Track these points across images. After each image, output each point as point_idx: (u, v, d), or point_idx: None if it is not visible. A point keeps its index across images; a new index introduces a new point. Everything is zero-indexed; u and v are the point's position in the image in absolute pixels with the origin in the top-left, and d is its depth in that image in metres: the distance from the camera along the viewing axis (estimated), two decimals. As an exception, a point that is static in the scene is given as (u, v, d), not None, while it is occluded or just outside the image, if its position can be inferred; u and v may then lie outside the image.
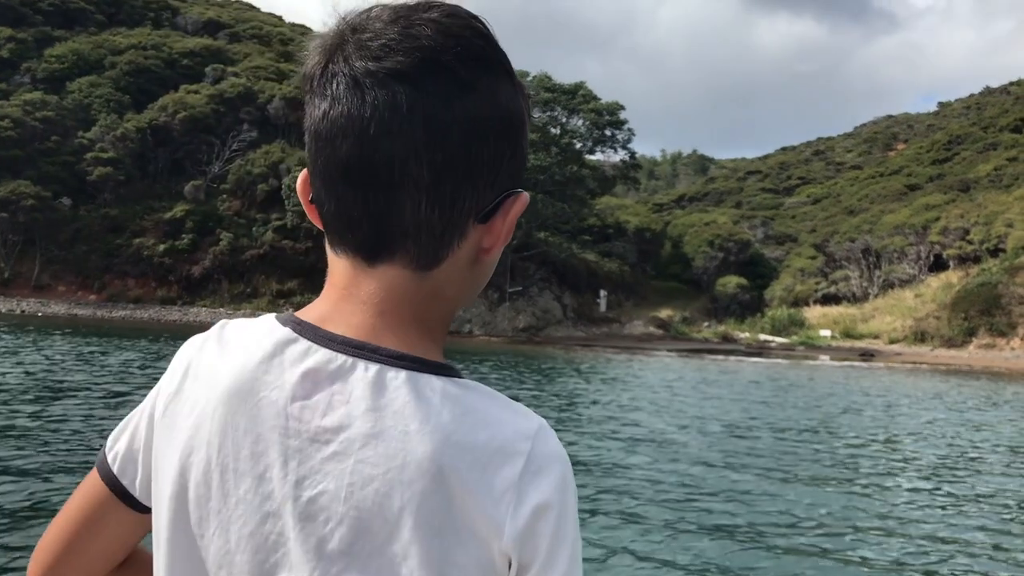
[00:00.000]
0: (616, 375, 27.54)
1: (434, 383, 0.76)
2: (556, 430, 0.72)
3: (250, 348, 0.80)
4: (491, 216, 0.80)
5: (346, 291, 0.81)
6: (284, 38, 75.62)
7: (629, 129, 49.00)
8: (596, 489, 9.44)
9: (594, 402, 19.21)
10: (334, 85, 0.77)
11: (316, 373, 0.77)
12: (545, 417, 0.73)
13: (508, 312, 48.03)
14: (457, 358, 29.78)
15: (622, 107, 48.38)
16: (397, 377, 0.76)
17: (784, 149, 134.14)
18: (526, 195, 0.82)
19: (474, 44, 0.77)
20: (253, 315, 0.85)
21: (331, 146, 0.77)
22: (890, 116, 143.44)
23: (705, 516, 8.53)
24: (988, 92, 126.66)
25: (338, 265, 0.82)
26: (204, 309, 50.79)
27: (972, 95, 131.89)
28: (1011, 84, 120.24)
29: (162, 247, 52.34)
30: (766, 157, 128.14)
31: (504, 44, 0.81)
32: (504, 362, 30.20)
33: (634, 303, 56.61)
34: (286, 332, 0.80)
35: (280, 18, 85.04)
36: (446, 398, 0.76)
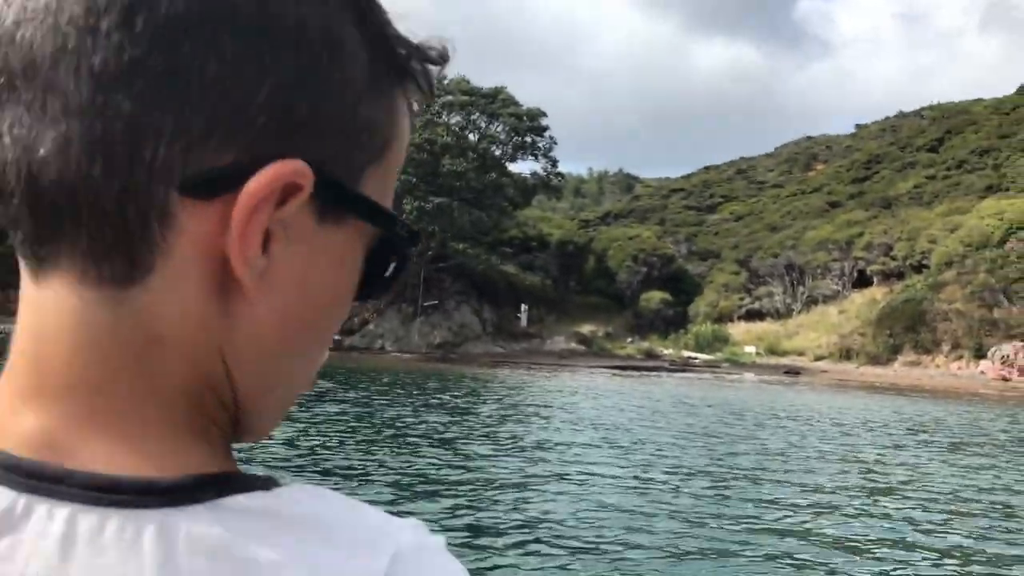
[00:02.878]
0: (533, 400, 25.28)
1: (179, 526, 0.42)
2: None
3: None
4: (218, 189, 0.43)
5: (24, 331, 0.46)
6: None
7: (551, 137, 47.12)
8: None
9: (511, 436, 16.87)
10: None
11: None
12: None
13: (422, 327, 45.43)
14: (363, 379, 27.16)
15: (543, 113, 46.49)
16: (101, 528, 0.42)
17: (707, 168, 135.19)
18: (294, 162, 0.43)
19: None
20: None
21: None
22: (810, 137, 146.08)
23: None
24: (902, 115, 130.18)
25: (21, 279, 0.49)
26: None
27: (887, 118, 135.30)
28: (924, 108, 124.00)
29: None
30: (689, 176, 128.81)
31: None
32: (410, 381, 27.67)
33: (556, 318, 54.63)
34: None
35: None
36: (200, 554, 0.42)
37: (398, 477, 10.84)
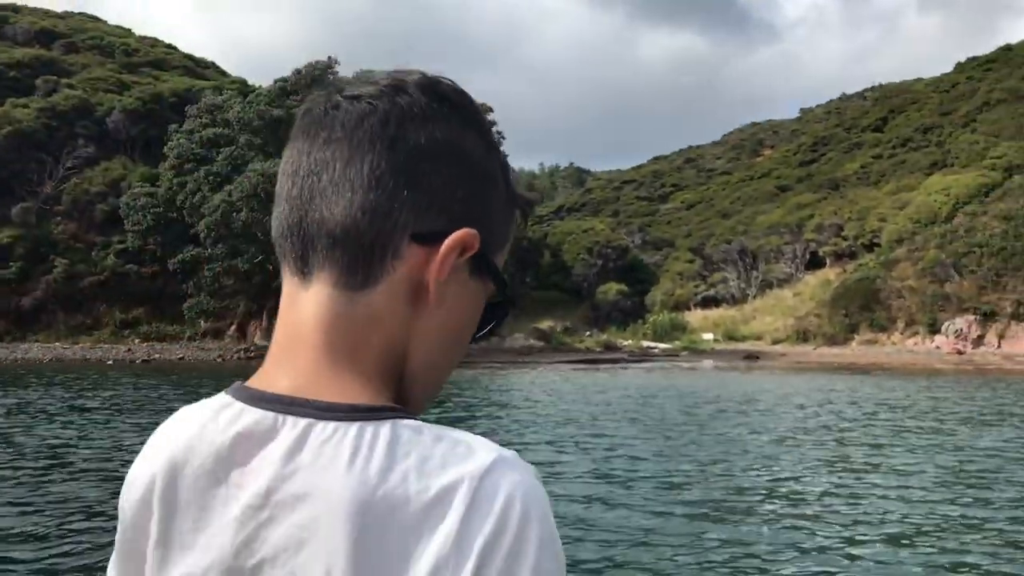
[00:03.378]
0: (493, 399, 24.74)
1: (366, 432, 0.70)
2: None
3: (191, 419, 0.78)
4: (430, 240, 0.75)
5: (283, 324, 0.78)
6: (128, 49, 70.09)
7: (498, 132, 46.31)
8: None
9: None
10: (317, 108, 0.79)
11: (247, 437, 0.73)
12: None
13: (378, 331, 44.57)
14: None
15: (489, 108, 45.67)
16: (324, 430, 0.70)
17: (657, 158, 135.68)
18: (472, 231, 0.75)
19: (446, 87, 0.78)
20: (93, 348, 0.79)
21: (289, 152, 0.79)
22: (755, 123, 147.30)
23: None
24: (845, 98, 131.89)
25: (283, 291, 0.79)
26: (37, 344, 45.44)
27: (831, 100, 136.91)
28: (866, 90, 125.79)
29: (-15, 278, 46.74)
30: (640, 167, 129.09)
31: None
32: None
33: (514, 315, 54.02)
34: (222, 398, 0.78)
35: (129, 30, 78.87)
36: (377, 447, 0.69)
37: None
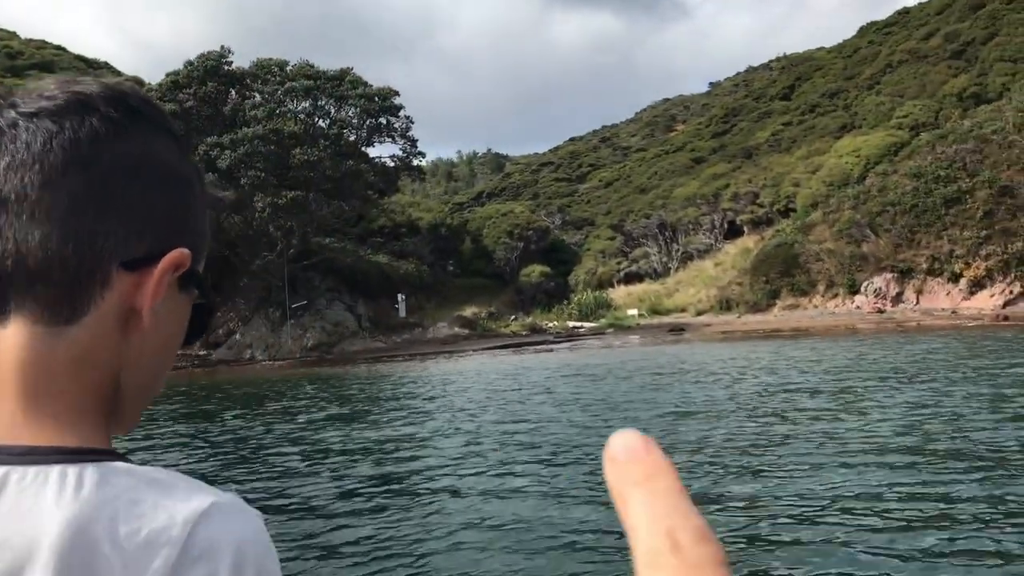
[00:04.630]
0: (412, 391, 23.53)
1: (69, 474, 0.66)
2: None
3: None
4: (140, 265, 0.73)
5: None
6: (12, 51, 66.45)
7: (407, 117, 44.92)
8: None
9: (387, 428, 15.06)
10: None
11: None
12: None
13: (293, 330, 42.84)
14: (227, 392, 24.82)
15: (396, 92, 44.20)
16: (24, 476, 0.66)
17: (572, 140, 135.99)
18: (184, 250, 0.75)
19: (132, 97, 0.76)
20: None
21: None
22: (667, 99, 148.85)
23: None
24: (752, 70, 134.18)
25: None
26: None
27: (739, 73, 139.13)
28: (772, 61, 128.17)
29: None
30: (556, 149, 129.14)
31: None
32: (269, 392, 25.49)
33: (436, 304, 52.80)
34: None
35: (13, 32, 74.64)
36: (83, 489, 0.65)
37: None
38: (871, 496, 7.89)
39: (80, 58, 73.11)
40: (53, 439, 0.68)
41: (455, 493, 9.23)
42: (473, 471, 10.35)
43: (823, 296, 45.89)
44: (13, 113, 0.72)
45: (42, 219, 0.69)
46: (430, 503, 8.83)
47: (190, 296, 0.79)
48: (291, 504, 9.24)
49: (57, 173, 0.69)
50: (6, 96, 0.73)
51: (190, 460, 12.69)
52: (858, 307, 43.75)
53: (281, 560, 0.64)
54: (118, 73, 71.85)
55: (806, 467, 9.33)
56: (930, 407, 13.16)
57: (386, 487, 9.84)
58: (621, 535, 6.64)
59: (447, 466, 10.85)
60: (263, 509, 8.90)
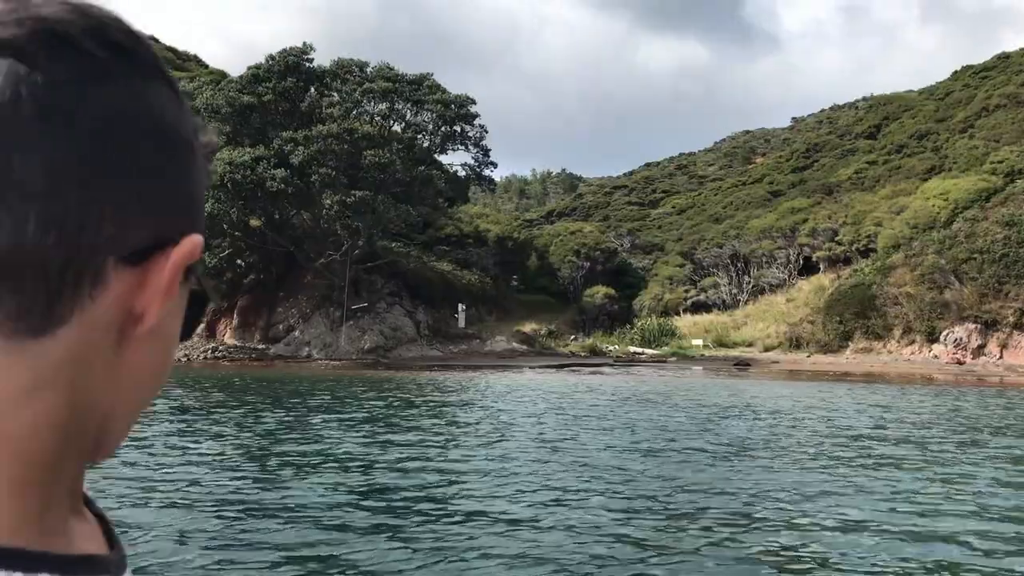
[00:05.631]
0: (469, 403, 22.83)
1: None
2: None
3: None
4: (145, 258, 0.54)
5: None
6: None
7: (481, 126, 44.49)
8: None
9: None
10: None
11: None
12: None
13: (352, 332, 42.52)
14: (282, 388, 24.46)
15: (472, 100, 43.79)
16: None
17: (648, 164, 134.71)
18: (197, 237, 0.56)
19: (114, 27, 0.54)
20: None
21: None
22: (748, 131, 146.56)
23: None
24: (837, 108, 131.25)
25: None
26: None
27: (823, 110, 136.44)
28: (858, 100, 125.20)
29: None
30: (631, 173, 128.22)
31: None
32: (324, 388, 25.01)
33: (497, 317, 52.09)
34: None
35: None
36: None
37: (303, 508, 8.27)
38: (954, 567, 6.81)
39: (171, 49, 74.47)
40: None
41: (479, 515, 8.39)
42: (505, 491, 9.52)
43: (899, 342, 43.92)
44: None
45: (11, 199, 0.49)
46: (454, 524, 8.01)
47: (187, 287, 0.61)
48: (290, 510, 8.51)
49: (28, 133, 0.49)
50: None
51: (218, 454, 12.11)
52: (936, 356, 41.71)
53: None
54: (205, 66, 73.20)
55: (877, 526, 8.25)
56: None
57: (419, 503, 9.05)
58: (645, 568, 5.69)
59: (478, 485, 10.04)
60: (283, 510, 8.19)
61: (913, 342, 43.44)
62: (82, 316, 0.51)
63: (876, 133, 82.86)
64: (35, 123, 0.48)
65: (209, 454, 12.02)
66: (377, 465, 11.33)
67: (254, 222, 39.95)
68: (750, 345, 49.66)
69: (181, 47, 78.84)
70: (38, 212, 0.48)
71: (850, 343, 45.08)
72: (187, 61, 73.08)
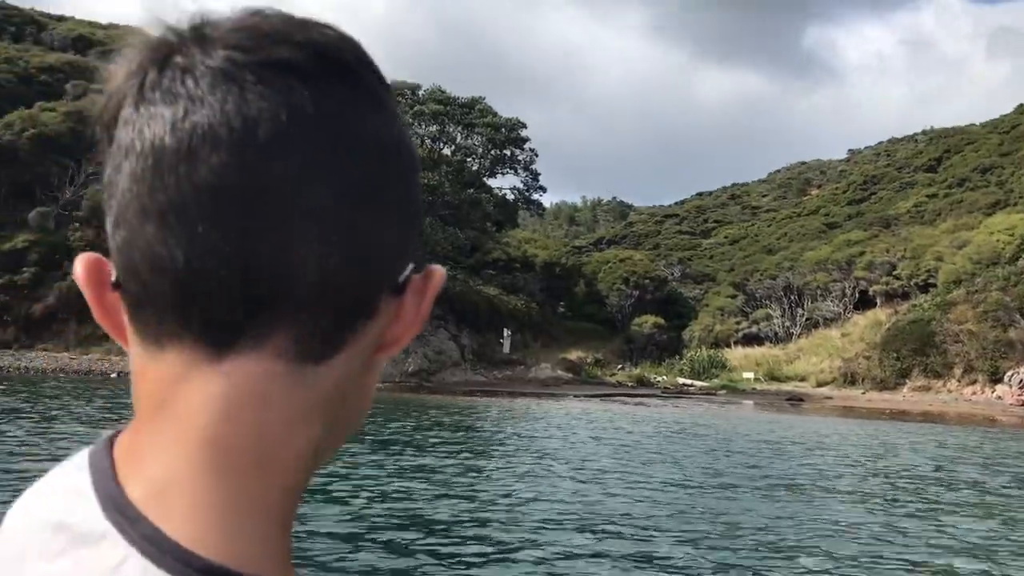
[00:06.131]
0: (511, 432, 22.25)
1: None
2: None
3: (34, 489, 0.55)
4: (404, 288, 0.54)
5: (161, 407, 0.51)
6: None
7: (531, 149, 44.15)
8: None
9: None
10: (187, 83, 0.48)
11: (66, 530, 0.50)
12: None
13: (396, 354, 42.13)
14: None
15: (523, 124, 43.56)
16: (135, 572, 0.47)
17: (700, 194, 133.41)
18: (442, 269, 0.56)
19: (370, 57, 0.54)
20: (103, 359, 0.55)
21: (187, 165, 0.47)
22: (803, 162, 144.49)
23: None
24: (895, 140, 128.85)
25: (154, 371, 0.51)
26: (45, 354, 43.83)
27: (881, 143, 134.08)
28: (917, 134, 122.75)
29: (-3, 282, 45.43)
30: (683, 202, 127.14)
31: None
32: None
33: (542, 344, 51.40)
34: (79, 462, 0.54)
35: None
36: None
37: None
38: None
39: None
40: (212, 532, 0.48)
41: (502, 544, 7.79)
42: (533, 521, 8.91)
43: (959, 381, 42.28)
44: (225, 54, 0.49)
45: (307, 228, 0.48)
46: (478, 557, 7.42)
47: None
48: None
49: (319, 159, 0.48)
50: (200, 23, 0.50)
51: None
52: (999, 397, 40.01)
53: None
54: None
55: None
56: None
57: (449, 530, 8.49)
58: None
59: (509, 515, 9.43)
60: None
61: (975, 381, 41.79)
62: (354, 344, 0.51)
63: (937, 166, 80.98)
64: (324, 148, 0.48)
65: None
66: (414, 494, 10.80)
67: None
68: (803, 380, 48.29)
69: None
70: (344, 237, 0.48)
71: (907, 380, 43.54)
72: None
